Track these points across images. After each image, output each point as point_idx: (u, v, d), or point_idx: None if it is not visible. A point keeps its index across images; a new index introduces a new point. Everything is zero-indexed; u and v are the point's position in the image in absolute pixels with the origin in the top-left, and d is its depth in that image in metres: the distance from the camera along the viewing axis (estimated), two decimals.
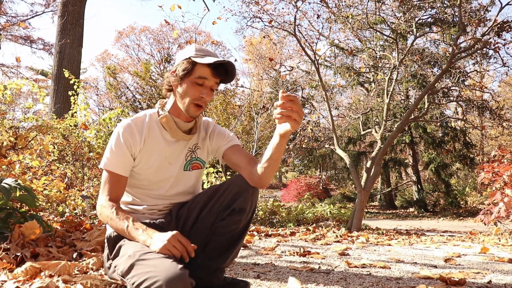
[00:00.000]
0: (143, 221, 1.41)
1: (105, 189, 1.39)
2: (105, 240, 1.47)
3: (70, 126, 5.24)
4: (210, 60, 1.36)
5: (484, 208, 4.71)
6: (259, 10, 7.01)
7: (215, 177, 5.45)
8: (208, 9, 6.27)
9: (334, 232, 4.81)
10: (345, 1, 7.90)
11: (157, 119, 1.47)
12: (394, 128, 6.98)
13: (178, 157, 1.49)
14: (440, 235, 5.42)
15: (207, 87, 1.41)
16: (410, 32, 9.35)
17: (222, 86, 12.88)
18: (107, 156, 1.40)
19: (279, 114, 1.20)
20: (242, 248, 2.77)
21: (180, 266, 1.11)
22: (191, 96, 1.39)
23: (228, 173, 7.16)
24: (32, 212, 2.44)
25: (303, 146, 10.91)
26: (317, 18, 7.86)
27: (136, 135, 1.41)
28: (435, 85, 7.53)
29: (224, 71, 1.42)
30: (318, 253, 2.65)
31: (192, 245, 1.24)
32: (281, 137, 1.28)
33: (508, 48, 7.49)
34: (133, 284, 1.14)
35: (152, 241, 1.24)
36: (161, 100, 1.52)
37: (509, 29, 6.65)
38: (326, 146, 10.26)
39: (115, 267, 1.33)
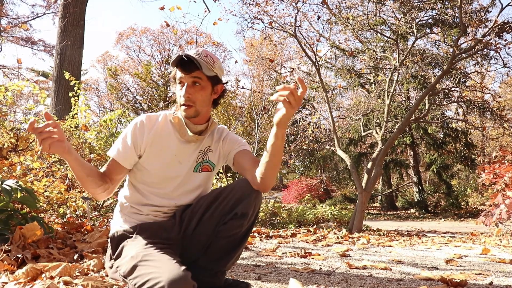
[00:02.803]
0: (146, 221, 1.43)
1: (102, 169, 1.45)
2: (108, 240, 1.48)
3: (71, 127, 5.24)
4: (173, 59, 1.39)
5: (485, 209, 4.70)
6: (259, 12, 7.02)
7: (216, 178, 5.45)
8: (208, 10, 6.29)
9: (335, 233, 4.81)
10: (345, 3, 7.91)
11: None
12: (395, 129, 6.97)
13: (189, 158, 1.50)
14: (441, 236, 5.41)
15: (186, 85, 1.41)
16: (411, 33, 9.35)
17: None
18: (114, 145, 1.46)
19: (280, 96, 1.21)
20: (243, 250, 2.77)
21: (183, 267, 1.11)
22: (177, 98, 1.44)
23: (229, 174, 7.15)
24: (33, 213, 2.44)
25: (304, 147, 10.89)
26: (318, 19, 7.87)
27: (145, 130, 1.44)
28: (436, 86, 7.52)
29: (193, 62, 1.36)
30: (319, 255, 2.65)
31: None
32: (277, 126, 1.27)
33: (509, 48, 7.44)
34: (135, 285, 1.14)
35: None
36: None
37: (510, 30, 6.64)
38: (327, 147, 10.25)
39: (117, 267, 1.33)
